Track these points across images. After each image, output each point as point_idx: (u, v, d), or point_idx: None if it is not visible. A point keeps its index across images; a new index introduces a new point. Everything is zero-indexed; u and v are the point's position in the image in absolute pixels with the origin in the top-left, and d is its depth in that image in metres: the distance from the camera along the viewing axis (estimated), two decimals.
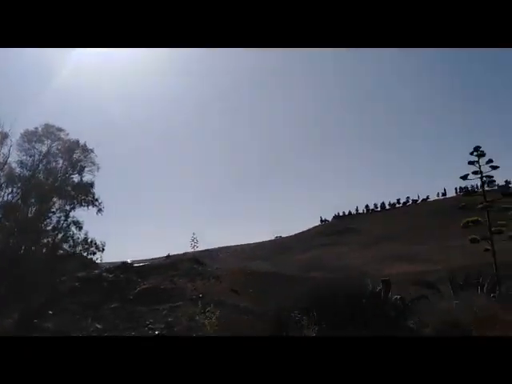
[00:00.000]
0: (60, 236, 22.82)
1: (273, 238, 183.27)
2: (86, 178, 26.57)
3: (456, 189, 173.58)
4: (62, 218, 23.56)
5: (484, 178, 17.71)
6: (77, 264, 19.82)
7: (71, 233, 23.27)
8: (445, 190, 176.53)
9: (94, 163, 27.68)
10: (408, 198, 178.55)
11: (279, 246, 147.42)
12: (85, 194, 24.18)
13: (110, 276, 17.12)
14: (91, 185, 26.03)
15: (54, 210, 23.40)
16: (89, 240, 22.92)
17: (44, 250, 20.86)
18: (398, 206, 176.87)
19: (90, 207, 25.52)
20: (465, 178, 18.15)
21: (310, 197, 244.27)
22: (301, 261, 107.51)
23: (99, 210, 25.79)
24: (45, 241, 21.93)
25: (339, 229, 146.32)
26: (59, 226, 22.86)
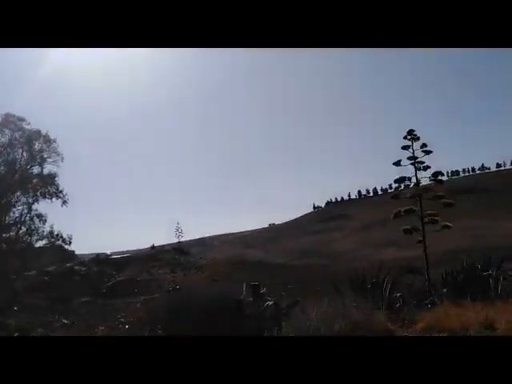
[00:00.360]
0: (24, 229, 22.05)
1: (266, 225, 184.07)
2: (49, 168, 25.78)
3: (447, 172, 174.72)
4: (25, 211, 22.85)
5: (417, 164, 16.34)
6: (51, 257, 19.27)
7: (35, 226, 22.53)
8: None
9: (57, 153, 26.84)
10: None
11: (272, 234, 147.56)
12: (47, 186, 23.36)
13: (83, 269, 16.70)
14: (54, 176, 25.25)
15: (15, 203, 22.69)
16: (55, 233, 22.25)
17: (4, 246, 20.15)
18: (390, 191, 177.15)
19: (54, 199, 24.87)
20: (398, 164, 16.59)
21: (303, 183, 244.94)
22: (293, 248, 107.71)
23: (64, 202, 25.11)
24: (7, 235, 21.12)
25: (332, 215, 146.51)
26: (22, 220, 22.10)
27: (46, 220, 23.26)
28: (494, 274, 11.49)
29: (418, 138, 15.90)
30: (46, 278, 15.11)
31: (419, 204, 15.63)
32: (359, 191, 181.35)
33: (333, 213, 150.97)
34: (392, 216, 15.95)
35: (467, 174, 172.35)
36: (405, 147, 15.85)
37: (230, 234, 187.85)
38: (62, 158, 27.23)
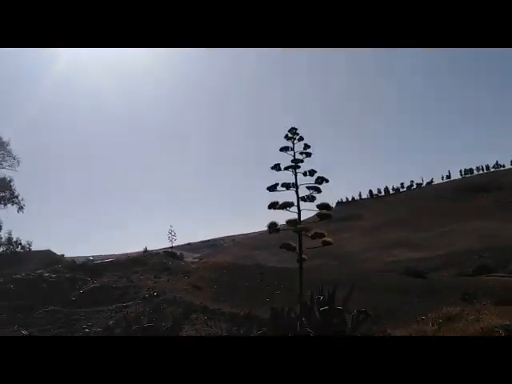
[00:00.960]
0: None
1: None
2: (3, 173, 25.15)
3: (461, 171, 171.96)
4: None
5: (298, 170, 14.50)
6: (39, 263, 18.80)
7: None
8: (449, 172, 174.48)
9: (13, 157, 26.24)
10: (412, 182, 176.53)
11: (283, 234, 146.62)
12: (2, 191, 22.88)
13: (53, 276, 16.12)
14: (9, 181, 24.65)
15: None
16: (13, 240, 21.82)
17: None
18: (402, 190, 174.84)
19: (10, 205, 24.38)
20: (277, 168, 14.71)
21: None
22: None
23: (20, 208, 24.56)
24: None
25: (342, 215, 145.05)
26: None
27: (1, 226, 22.92)
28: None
29: (302, 139, 14.71)
30: (11, 285, 14.61)
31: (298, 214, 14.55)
32: (370, 191, 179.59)
33: (344, 213, 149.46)
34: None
35: (481, 172, 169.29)
36: (283, 149, 14.50)
37: (242, 234, 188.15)
38: (19, 162, 26.63)
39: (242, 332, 14.32)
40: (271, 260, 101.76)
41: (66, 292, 15.46)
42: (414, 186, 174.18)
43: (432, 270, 47.36)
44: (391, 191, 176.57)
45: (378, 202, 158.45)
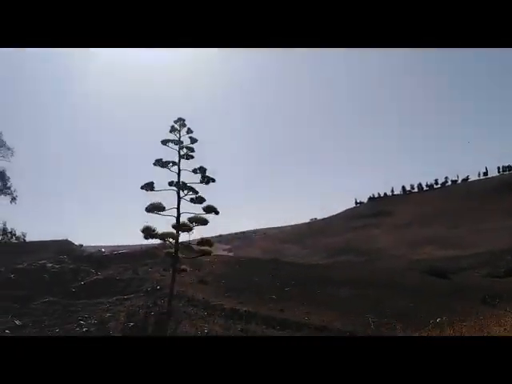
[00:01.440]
0: None
1: (308, 220, 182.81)
2: None
3: (498, 168, 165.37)
4: None
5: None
6: (52, 252, 18.89)
7: None
8: (486, 169, 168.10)
9: (7, 148, 26.33)
10: (446, 178, 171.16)
11: (313, 229, 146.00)
12: None
13: (57, 267, 16.11)
14: (1, 172, 24.75)
15: None
16: (8, 230, 22.03)
17: None
18: (436, 186, 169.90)
19: (3, 196, 24.52)
20: (164, 143, 13.70)
21: (347, 179, 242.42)
22: (331, 244, 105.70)
23: (13, 199, 24.64)
24: None
25: (373, 211, 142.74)
26: None
27: None
28: None
29: (189, 130, 13.65)
30: (12, 275, 14.67)
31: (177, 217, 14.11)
32: (403, 187, 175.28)
33: (375, 209, 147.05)
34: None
35: None
36: (164, 143, 13.53)
37: (274, 228, 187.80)
38: (13, 153, 26.68)
39: (239, 329, 13.99)
40: (300, 254, 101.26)
41: (67, 283, 15.46)
42: (449, 183, 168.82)
43: (462, 269, 45.72)
44: (425, 188, 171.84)
45: (411, 198, 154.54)
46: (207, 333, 12.81)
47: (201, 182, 13.66)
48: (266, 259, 33.15)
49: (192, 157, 13.32)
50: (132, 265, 19.80)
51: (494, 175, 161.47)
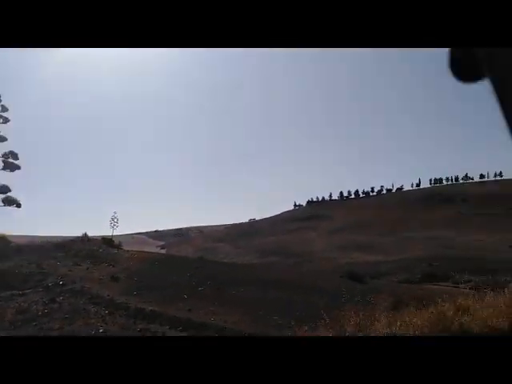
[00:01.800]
0: None
1: (247, 220, 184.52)
2: None
3: (430, 180, 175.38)
4: None
5: None
6: None
7: None
8: (419, 180, 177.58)
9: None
10: (382, 187, 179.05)
11: (250, 229, 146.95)
12: None
13: None
14: None
15: None
16: None
17: None
18: (372, 194, 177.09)
19: None
20: None
21: (288, 181, 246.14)
22: (264, 245, 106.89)
23: None
24: None
25: (311, 214, 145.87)
26: None
27: None
28: None
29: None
30: None
31: None
32: (341, 192, 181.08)
33: (312, 212, 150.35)
34: None
35: (449, 182, 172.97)
36: None
37: (211, 226, 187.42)
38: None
39: (138, 329, 13.82)
40: (232, 254, 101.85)
41: None
42: (384, 192, 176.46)
43: (381, 274, 47.98)
44: (361, 194, 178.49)
45: (347, 204, 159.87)
46: (102, 332, 12.53)
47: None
48: (192, 258, 32.98)
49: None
50: (39, 258, 19.00)
51: (426, 186, 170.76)
